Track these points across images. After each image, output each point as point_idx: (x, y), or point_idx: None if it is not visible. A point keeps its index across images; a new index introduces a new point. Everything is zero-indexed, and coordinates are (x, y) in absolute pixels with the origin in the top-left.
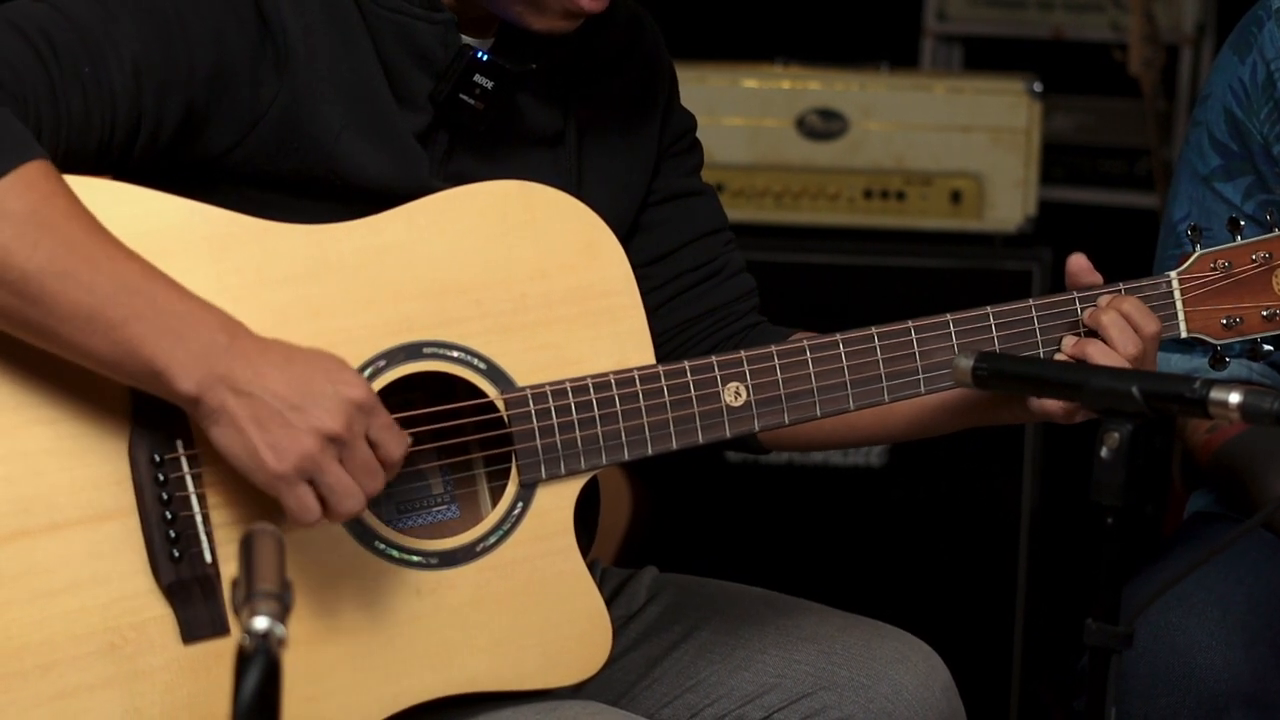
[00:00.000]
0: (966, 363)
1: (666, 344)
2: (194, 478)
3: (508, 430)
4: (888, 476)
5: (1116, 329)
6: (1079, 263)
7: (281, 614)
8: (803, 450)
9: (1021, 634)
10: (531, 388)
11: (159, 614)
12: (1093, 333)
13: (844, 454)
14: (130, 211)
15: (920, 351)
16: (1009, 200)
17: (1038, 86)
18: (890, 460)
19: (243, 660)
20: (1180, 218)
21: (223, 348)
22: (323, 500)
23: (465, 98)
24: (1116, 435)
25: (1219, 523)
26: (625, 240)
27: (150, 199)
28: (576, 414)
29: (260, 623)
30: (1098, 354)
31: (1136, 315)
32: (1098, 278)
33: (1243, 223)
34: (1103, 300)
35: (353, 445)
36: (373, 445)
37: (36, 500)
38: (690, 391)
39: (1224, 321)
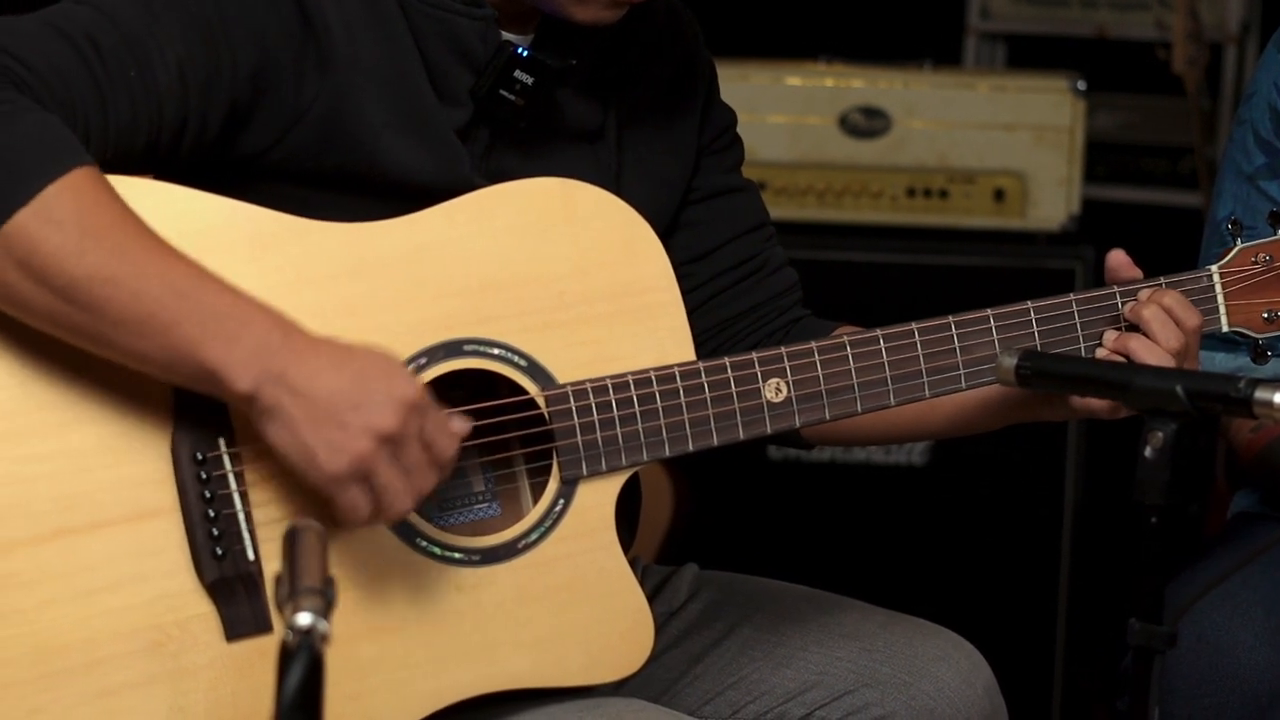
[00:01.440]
0: (1010, 361)
1: (710, 341)
2: (236, 475)
3: (549, 427)
4: (930, 475)
5: (1158, 323)
6: (1118, 258)
7: (325, 610)
8: (844, 446)
9: (1064, 632)
10: (572, 385)
11: (202, 612)
12: (1134, 327)
13: (886, 452)
14: (170, 211)
15: (961, 347)
16: (1052, 199)
17: (1081, 85)
18: (932, 458)
19: (286, 656)
20: (1224, 216)
21: (277, 346)
22: (375, 500)
23: (505, 93)
24: (1160, 435)
25: (1263, 522)
26: (666, 237)
27: (190, 198)
28: (617, 410)
29: (304, 619)
30: (1140, 348)
31: (1178, 309)
32: (1138, 272)
33: None
34: (1143, 294)
35: (406, 445)
36: (426, 445)
37: (79, 498)
38: (731, 388)
39: (1265, 315)
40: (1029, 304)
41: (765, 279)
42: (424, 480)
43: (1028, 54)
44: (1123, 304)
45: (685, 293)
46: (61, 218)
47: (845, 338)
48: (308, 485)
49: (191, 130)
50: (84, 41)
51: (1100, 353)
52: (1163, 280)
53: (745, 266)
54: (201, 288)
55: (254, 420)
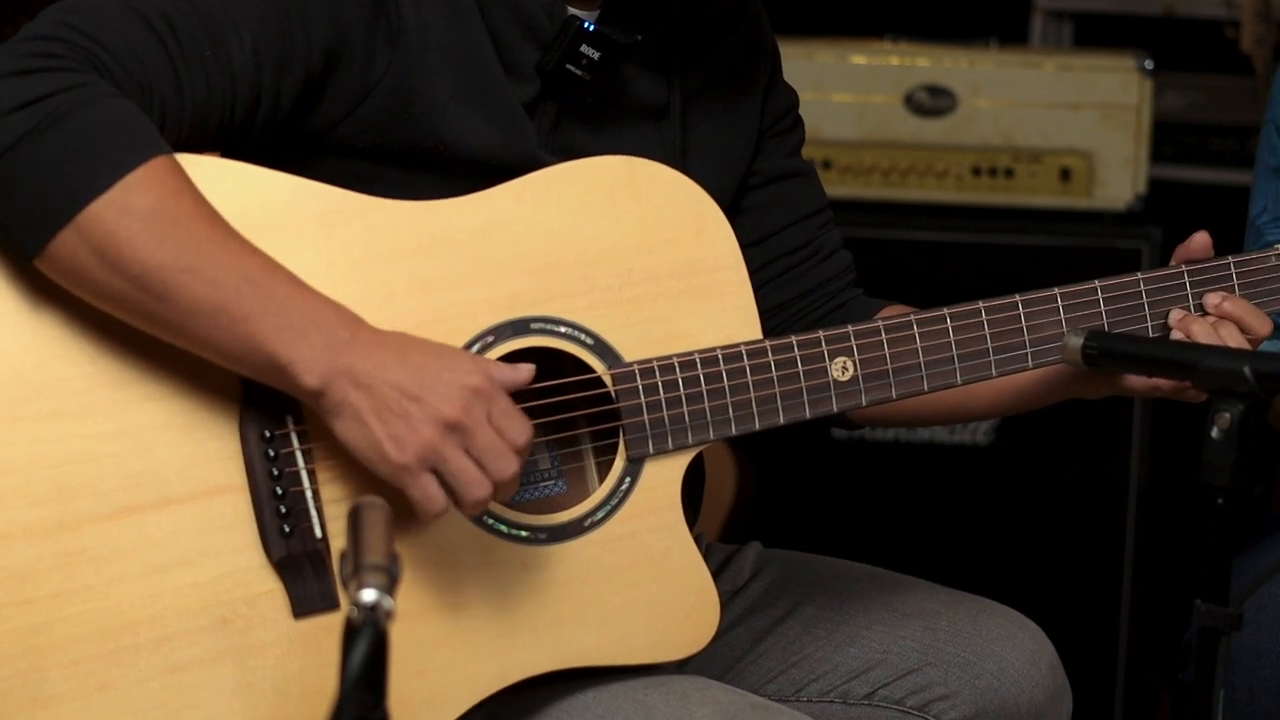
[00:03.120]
0: (1076, 341)
1: (763, 325)
2: (304, 453)
3: (615, 405)
4: (994, 454)
5: (1225, 330)
6: (1200, 239)
7: (389, 586)
8: (895, 426)
9: (1128, 611)
10: (639, 363)
11: (270, 589)
12: (1203, 309)
13: (950, 431)
14: (238, 188)
15: (1028, 326)
16: (1119, 178)
17: (1149, 64)
18: (997, 438)
19: (350, 632)
20: (1257, 214)
21: (344, 342)
22: (450, 489)
23: (572, 68)
24: (1228, 415)
25: None
26: (726, 216)
27: (259, 176)
28: (684, 389)
29: (368, 595)
30: (1201, 333)
31: (1249, 318)
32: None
33: None
34: (1210, 301)
35: (474, 431)
36: (497, 431)
37: (148, 476)
38: (797, 366)
39: None
40: (1096, 283)
41: (819, 264)
42: (500, 465)
43: (1095, 33)
44: (1190, 285)
45: None
46: (140, 207)
47: (912, 316)
48: (380, 479)
49: (265, 106)
50: (161, 23)
51: (1174, 336)
52: (1230, 259)
53: (801, 252)
54: (275, 282)
55: (323, 416)
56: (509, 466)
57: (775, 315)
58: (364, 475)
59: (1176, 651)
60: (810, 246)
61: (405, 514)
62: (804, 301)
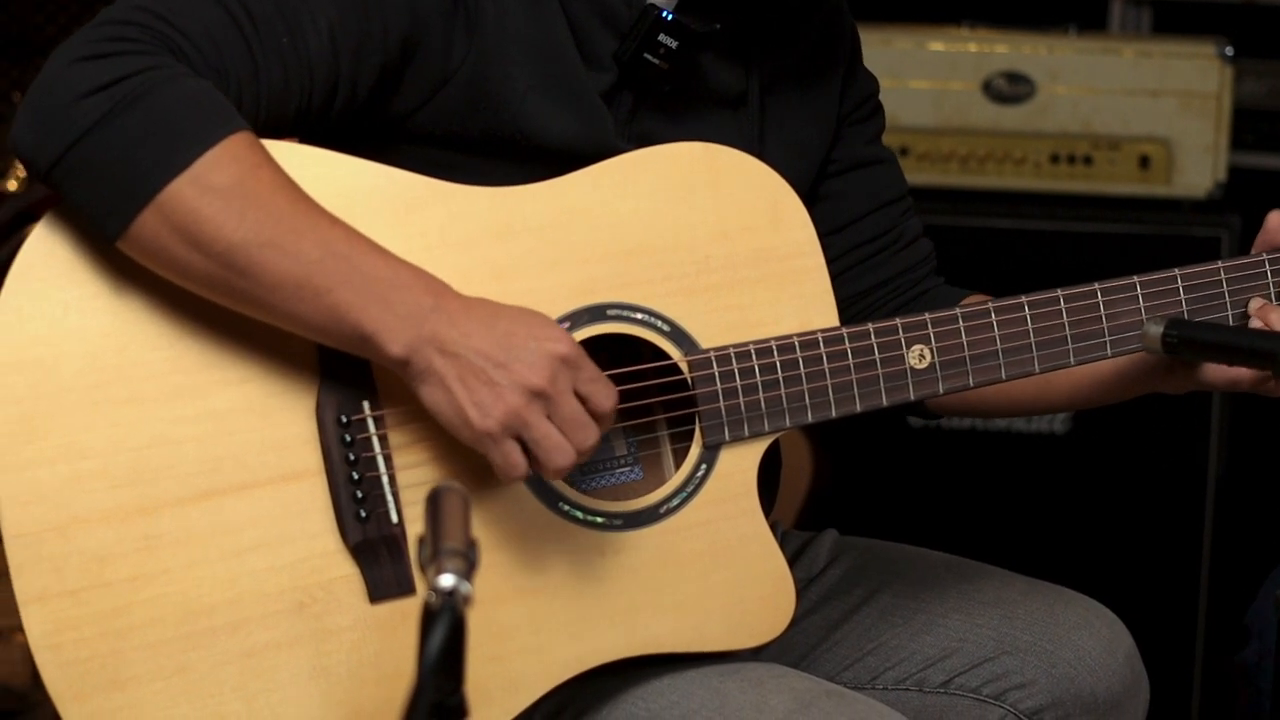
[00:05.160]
0: (1156, 329)
1: (843, 314)
2: (380, 438)
3: (691, 392)
4: (1071, 442)
5: None
6: (1276, 219)
7: (467, 572)
8: (968, 416)
9: (1206, 601)
10: (715, 349)
11: (346, 573)
12: None
13: (1027, 420)
14: (317, 174)
15: (1107, 314)
16: (1198, 166)
17: (1229, 50)
18: (1074, 426)
19: (429, 617)
20: None
21: (429, 309)
22: (532, 456)
23: (649, 57)
24: None
25: None
26: (804, 204)
27: (337, 162)
28: (760, 376)
29: (446, 580)
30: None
31: None
32: None
33: None
34: None
35: (558, 400)
36: (582, 399)
37: (227, 460)
38: (874, 354)
39: None
40: (1176, 271)
41: (900, 252)
42: (583, 434)
43: (1174, 19)
44: (1272, 272)
45: None
46: (219, 184)
47: (990, 304)
48: (463, 444)
49: (342, 94)
50: (238, 8)
51: (1253, 324)
52: None
53: (881, 240)
54: (357, 252)
55: (408, 383)
56: (592, 435)
57: (856, 303)
58: (440, 459)
59: (1235, 632)
60: (890, 234)
61: (483, 498)
62: (884, 290)
